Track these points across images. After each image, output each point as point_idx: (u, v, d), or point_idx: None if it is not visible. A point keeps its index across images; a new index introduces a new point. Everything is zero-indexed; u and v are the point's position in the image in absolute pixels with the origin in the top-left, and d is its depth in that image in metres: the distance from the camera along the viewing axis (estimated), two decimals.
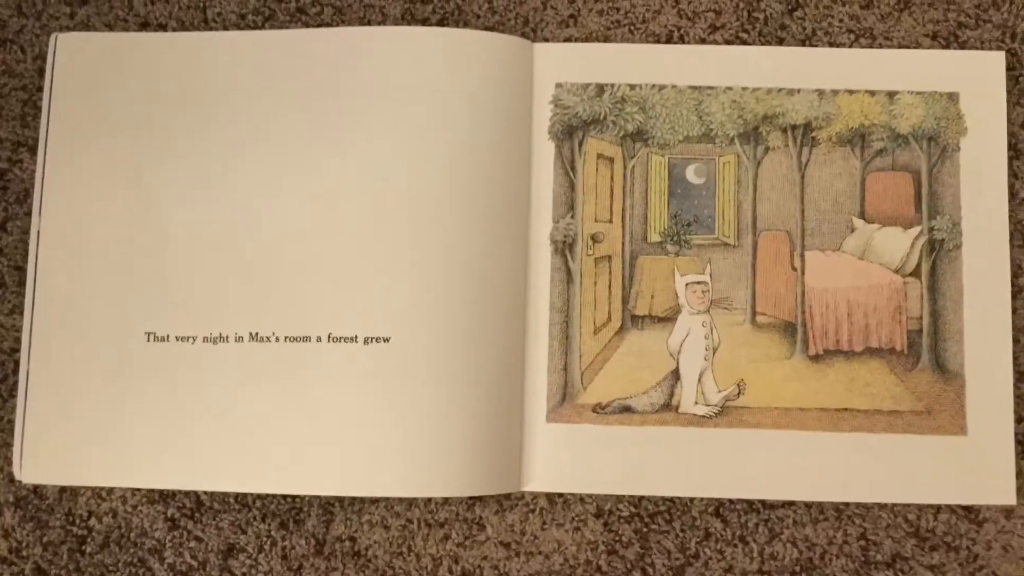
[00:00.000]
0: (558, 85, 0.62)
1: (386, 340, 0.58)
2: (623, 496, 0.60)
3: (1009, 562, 0.59)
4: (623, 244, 0.61)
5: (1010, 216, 0.60)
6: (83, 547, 0.60)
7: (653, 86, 0.62)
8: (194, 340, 0.60)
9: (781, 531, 0.59)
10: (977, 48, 0.62)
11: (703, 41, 0.62)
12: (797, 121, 0.61)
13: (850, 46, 0.62)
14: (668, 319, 0.61)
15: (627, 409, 0.60)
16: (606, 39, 0.63)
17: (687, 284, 0.61)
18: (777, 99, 0.61)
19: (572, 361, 0.60)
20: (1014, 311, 0.60)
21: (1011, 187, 0.61)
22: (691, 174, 0.61)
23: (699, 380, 0.60)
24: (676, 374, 0.60)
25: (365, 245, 0.59)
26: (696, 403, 0.60)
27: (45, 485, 0.61)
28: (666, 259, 0.61)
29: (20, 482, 0.60)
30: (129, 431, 0.59)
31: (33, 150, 0.63)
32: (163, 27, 0.64)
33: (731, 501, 0.59)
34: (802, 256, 0.61)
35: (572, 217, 0.61)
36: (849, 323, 0.60)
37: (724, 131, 0.61)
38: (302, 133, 0.60)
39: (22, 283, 0.62)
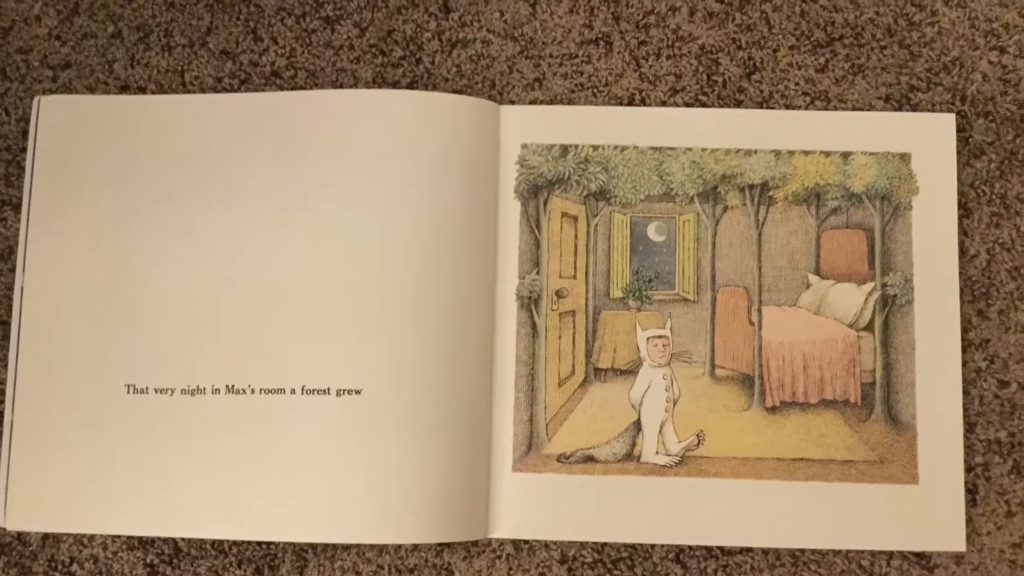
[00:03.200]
0: (524, 146, 0.64)
1: (357, 392, 0.60)
2: (586, 543, 0.62)
3: None
4: (587, 299, 0.63)
5: (960, 272, 0.62)
6: None
7: (616, 147, 0.64)
8: (172, 392, 0.62)
9: None
10: (928, 110, 0.64)
11: (664, 104, 0.65)
12: (754, 181, 0.63)
13: (806, 108, 0.64)
14: (630, 372, 0.63)
15: (590, 459, 0.62)
16: (570, 102, 0.65)
17: (648, 338, 0.63)
18: (735, 160, 0.63)
19: (537, 412, 0.62)
20: (964, 364, 0.62)
21: (961, 244, 0.63)
22: (652, 232, 0.64)
23: (660, 431, 0.62)
24: (638, 425, 0.62)
25: (337, 301, 0.61)
26: (657, 453, 0.62)
27: (28, 532, 0.63)
28: (628, 314, 0.63)
29: (4, 529, 0.62)
30: (109, 480, 0.61)
31: (17, 208, 0.65)
32: (142, 90, 0.66)
33: (691, 548, 0.61)
34: (759, 311, 0.63)
35: (537, 273, 0.63)
36: (805, 376, 0.62)
37: (684, 190, 0.63)
38: (276, 192, 0.62)
39: (6, 337, 0.64)
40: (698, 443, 0.62)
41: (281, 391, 0.61)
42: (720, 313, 0.63)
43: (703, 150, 0.63)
